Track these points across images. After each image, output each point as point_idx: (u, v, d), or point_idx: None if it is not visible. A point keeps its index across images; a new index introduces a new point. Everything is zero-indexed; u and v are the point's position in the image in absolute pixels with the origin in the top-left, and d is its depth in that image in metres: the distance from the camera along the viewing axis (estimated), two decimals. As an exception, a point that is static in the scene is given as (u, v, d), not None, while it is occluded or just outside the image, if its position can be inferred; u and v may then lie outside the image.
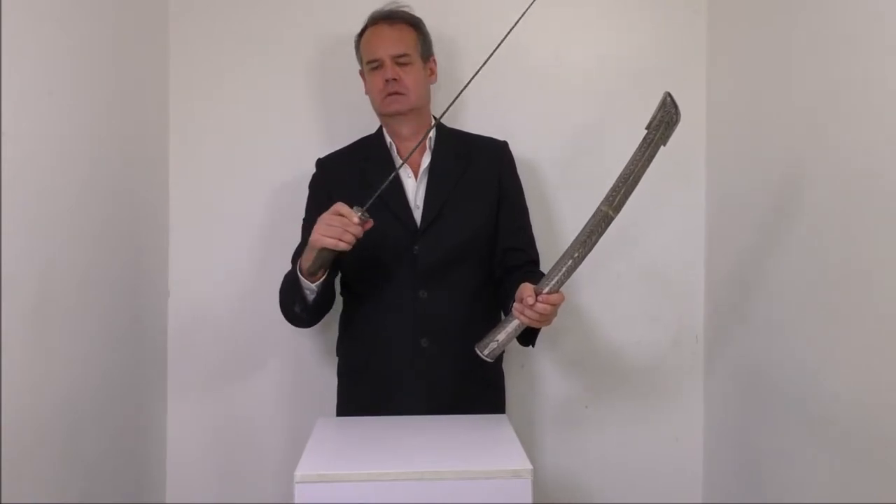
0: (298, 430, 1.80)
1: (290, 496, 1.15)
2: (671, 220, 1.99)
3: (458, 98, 1.51)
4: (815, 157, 1.49)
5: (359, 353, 1.69)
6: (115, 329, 1.68)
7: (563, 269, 1.36)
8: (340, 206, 1.42)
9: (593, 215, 1.35)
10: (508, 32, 1.45)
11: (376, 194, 1.43)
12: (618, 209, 1.35)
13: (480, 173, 1.70)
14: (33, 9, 1.33)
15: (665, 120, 1.33)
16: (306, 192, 1.74)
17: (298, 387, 1.97)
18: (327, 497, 1.14)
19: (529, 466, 1.17)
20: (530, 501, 1.15)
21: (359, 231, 1.41)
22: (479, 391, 1.67)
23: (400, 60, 1.65)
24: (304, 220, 1.69)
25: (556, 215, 1.97)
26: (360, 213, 1.41)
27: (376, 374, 1.65)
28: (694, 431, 2.01)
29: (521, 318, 1.39)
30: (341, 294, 1.75)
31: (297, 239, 1.65)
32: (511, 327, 1.42)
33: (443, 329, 1.62)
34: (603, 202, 1.35)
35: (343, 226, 1.40)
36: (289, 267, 1.60)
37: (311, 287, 1.51)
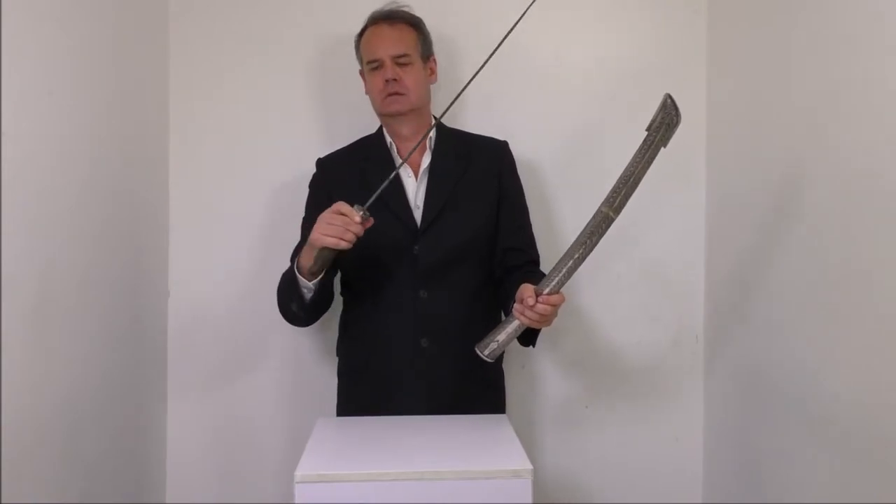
0: (298, 430, 1.80)
1: (290, 496, 1.15)
2: (671, 220, 1.99)
3: (459, 98, 1.51)
4: (815, 157, 1.49)
5: (359, 352, 1.69)
6: (115, 329, 1.68)
7: (564, 269, 1.36)
8: (342, 206, 1.42)
9: (594, 216, 1.35)
10: (508, 32, 1.45)
11: (377, 193, 1.43)
12: (618, 210, 1.35)
13: (480, 173, 1.70)
14: (33, 9, 1.33)
15: (665, 122, 1.33)
16: (306, 192, 1.73)
17: (298, 387, 1.97)
18: (327, 497, 1.14)
19: (529, 466, 1.17)
20: (530, 501, 1.15)
21: (360, 230, 1.41)
22: (480, 391, 1.67)
23: (400, 61, 1.65)
24: (303, 219, 1.69)
25: (556, 215, 1.97)
26: (361, 213, 1.41)
27: (376, 374, 1.65)
28: (694, 431, 2.01)
29: (522, 318, 1.39)
30: (341, 294, 1.75)
31: (297, 239, 1.65)
32: (511, 328, 1.42)
33: (443, 329, 1.62)
34: (603, 203, 1.35)
35: (345, 225, 1.40)
36: (288, 266, 1.60)
37: (308, 286, 1.51)
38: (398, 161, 1.66)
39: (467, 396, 1.62)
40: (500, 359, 1.70)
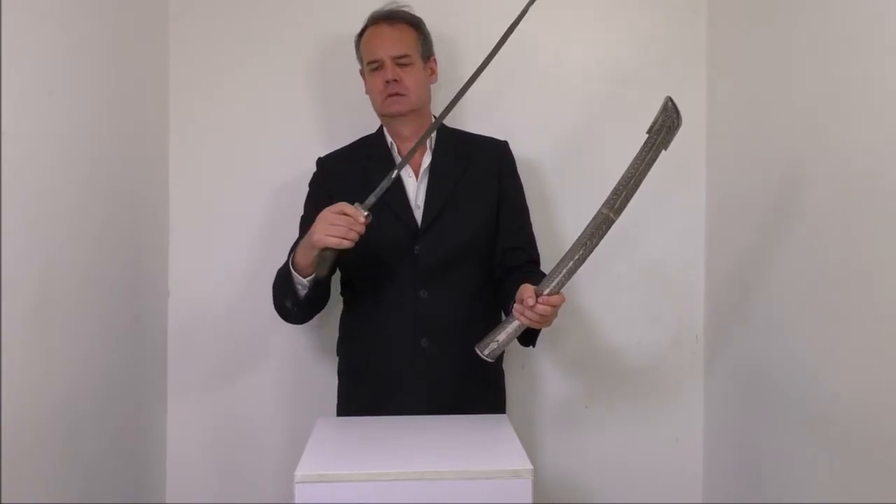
0: (298, 430, 1.80)
1: (290, 496, 1.15)
2: (671, 220, 1.99)
3: (459, 98, 1.51)
4: (815, 157, 1.49)
5: (359, 352, 1.69)
6: (115, 329, 1.68)
7: (564, 270, 1.36)
8: (345, 206, 1.42)
9: (594, 218, 1.35)
10: (507, 33, 1.45)
11: (379, 194, 1.43)
12: (619, 212, 1.35)
13: (481, 173, 1.70)
14: (33, 9, 1.33)
15: (666, 125, 1.34)
16: (306, 192, 1.73)
17: (298, 387, 1.97)
18: (327, 497, 1.14)
19: (529, 466, 1.17)
20: (530, 501, 1.15)
21: (363, 229, 1.42)
22: (480, 391, 1.67)
23: (400, 61, 1.65)
24: (301, 217, 1.69)
25: (556, 215, 1.97)
26: (365, 213, 1.41)
27: (376, 374, 1.65)
28: (694, 431, 2.01)
29: (522, 318, 1.39)
30: (341, 294, 1.75)
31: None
32: (511, 328, 1.42)
33: (443, 329, 1.62)
34: (604, 205, 1.35)
35: (349, 225, 1.40)
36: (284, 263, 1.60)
37: (303, 282, 1.51)
38: (399, 161, 1.65)
39: (467, 396, 1.62)
40: (500, 359, 1.70)
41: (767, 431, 1.67)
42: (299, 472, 1.15)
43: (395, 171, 1.48)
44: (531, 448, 1.91)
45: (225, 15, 1.96)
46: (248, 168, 1.96)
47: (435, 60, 1.75)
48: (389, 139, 1.72)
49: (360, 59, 1.73)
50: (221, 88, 1.96)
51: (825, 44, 1.46)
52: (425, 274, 1.62)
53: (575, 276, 1.38)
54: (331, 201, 1.45)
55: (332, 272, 1.51)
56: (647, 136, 1.34)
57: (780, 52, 1.63)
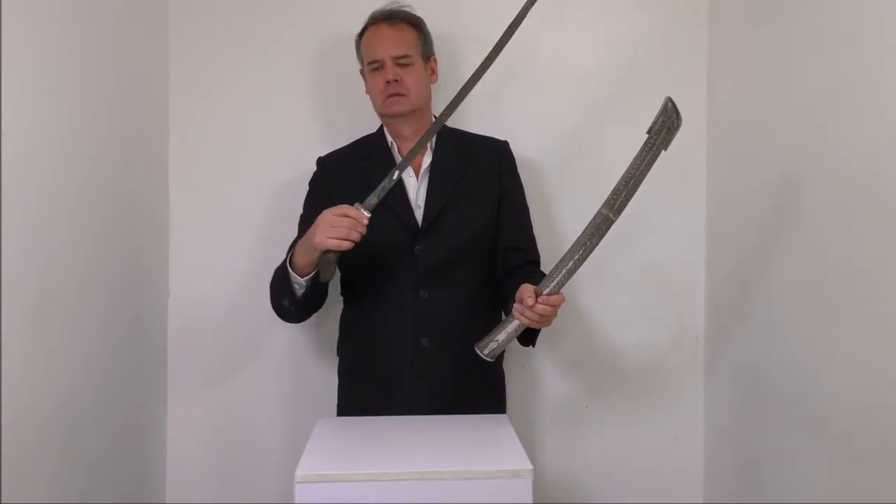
0: (298, 430, 1.80)
1: (290, 496, 1.15)
2: (671, 220, 1.99)
3: (458, 98, 1.51)
4: (815, 157, 1.49)
5: (359, 352, 1.69)
6: (115, 329, 1.68)
7: (564, 270, 1.36)
8: (347, 209, 1.42)
9: (594, 218, 1.35)
10: (507, 33, 1.45)
11: (382, 194, 1.43)
12: (618, 212, 1.35)
13: (481, 173, 1.70)
14: (33, 9, 1.33)
15: (666, 125, 1.34)
16: (306, 192, 1.73)
17: (298, 387, 1.97)
18: (327, 497, 1.14)
19: (530, 466, 1.17)
20: (530, 501, 1.15)
21: (365, 231, 1.42)
22: (480, 391, 1.67)
23: (401, 61, 1.65)
24: (301, 216, 1.69)
25: (556, 215, 1.97)
26: (367, 214, 1.41)
27: (376, 374, 1.65)
28: (694, 431, 2.01)
29: (522, 318, 1.39)
30: (341, 293, 1.75)
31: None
32: (511, 328, 1.42)
33: (443, 329, 1.62)
34: (604, 205, 1.35)
35: (351, 226, 1.40)
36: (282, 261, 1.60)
37: (300, 282, 1.51)
38: (399, 161, 1.65)
39: (467, 396, 1.62)
40: (500, 359, 1.70)
41: (767, 431, 1.67)
42: (299, 472, 1.15)
43: (397, 172, 1.48)
44: (531, 448, 1.91)
45: (225, 15, 1.96)
46: (248, 168, 1.96)
47: (435, 60, 1.75)
48: (390, 139, 1.72)
49: (361, 59, 1.72)
50: (221, 88, 1.96)
51: (825, 44, 1.46)
52: (425, 274, 1.62)
53: (575, 276, 1.38)
54: (331, 201, 1.45)
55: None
56: (647, 136, 1.34)
57: (780, 53, 1.63)
